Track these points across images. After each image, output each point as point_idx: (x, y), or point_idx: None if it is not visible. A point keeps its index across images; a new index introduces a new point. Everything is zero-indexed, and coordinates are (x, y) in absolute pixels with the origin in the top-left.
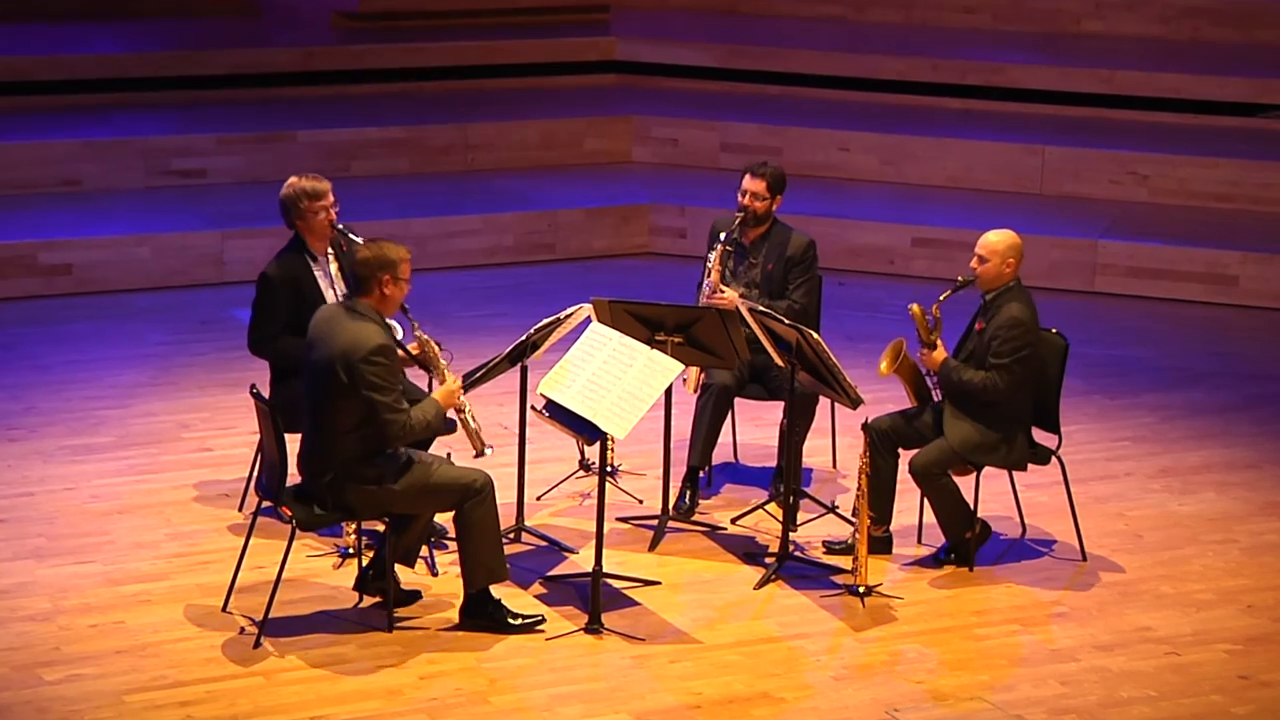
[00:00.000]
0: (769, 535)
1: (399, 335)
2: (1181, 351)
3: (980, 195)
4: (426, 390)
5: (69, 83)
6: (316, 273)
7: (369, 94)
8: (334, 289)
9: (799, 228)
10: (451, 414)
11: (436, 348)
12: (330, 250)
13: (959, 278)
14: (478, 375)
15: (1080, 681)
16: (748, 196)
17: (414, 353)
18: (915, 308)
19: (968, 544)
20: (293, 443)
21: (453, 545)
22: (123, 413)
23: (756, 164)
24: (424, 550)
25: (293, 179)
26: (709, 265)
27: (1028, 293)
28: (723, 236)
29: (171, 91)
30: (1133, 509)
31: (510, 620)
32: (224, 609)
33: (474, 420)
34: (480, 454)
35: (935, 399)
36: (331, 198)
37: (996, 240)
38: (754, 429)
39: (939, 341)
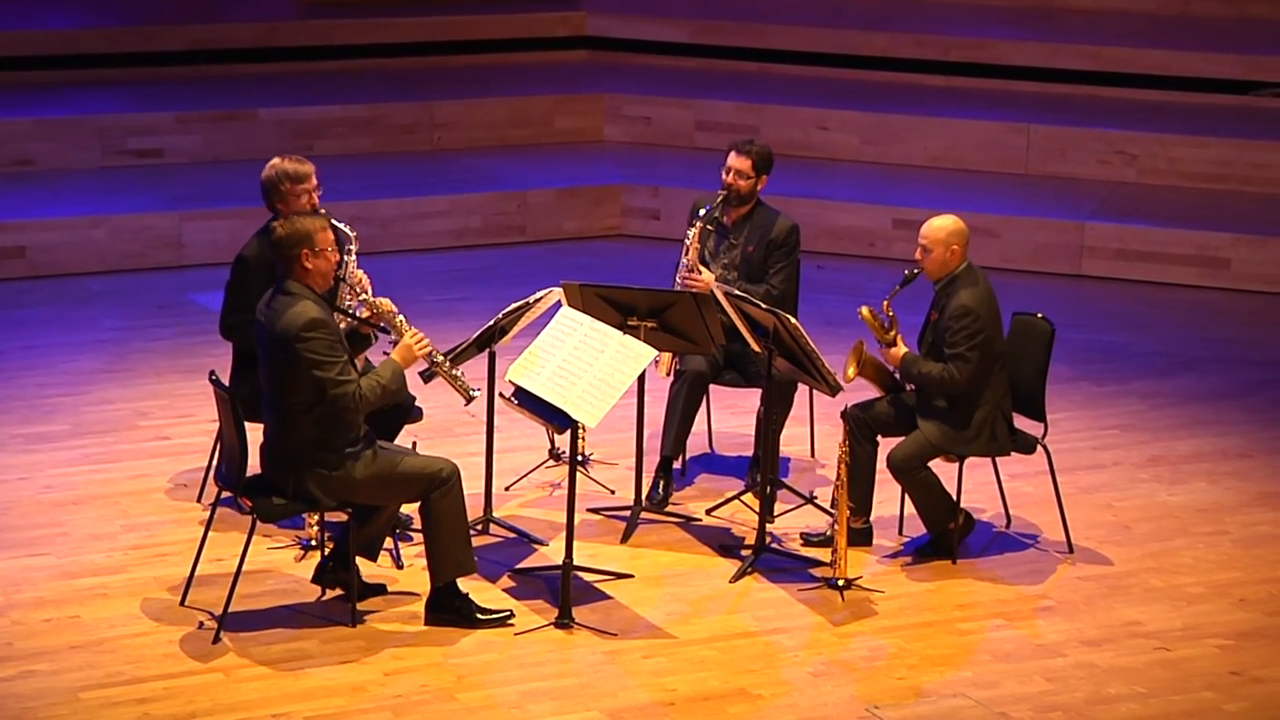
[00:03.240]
0: (745, 527)
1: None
2: (1171, 337)
3: (964, 175)
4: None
5: (21, 59)
6: None
7: (332, 71)
8: None
9: (779, 208)
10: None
11: (388, 305)
12: None
13: (905, 271)
14: (438, 363)
15: (1067, 678)
16: (731, 174)
17: (365, 316)
18: (865, 311)
19: (950, 536)
20: (253, 431)
21: (418, 537)
22: (77, 400)
23: (743, 141)
24: (388, 542)
25: (275, 160)
26: (687, 243)
27: (979, 274)
28: (702, 213)
29: (128, 68)
30: (1121, 499)
31: (478, 615)
32: (182, 603)
33: (451, 366)
34: (469, 400)
35: (906, 390)
36: (314, 180)
37: (939, 228)
38: (730, 417)
39: (898, 338)
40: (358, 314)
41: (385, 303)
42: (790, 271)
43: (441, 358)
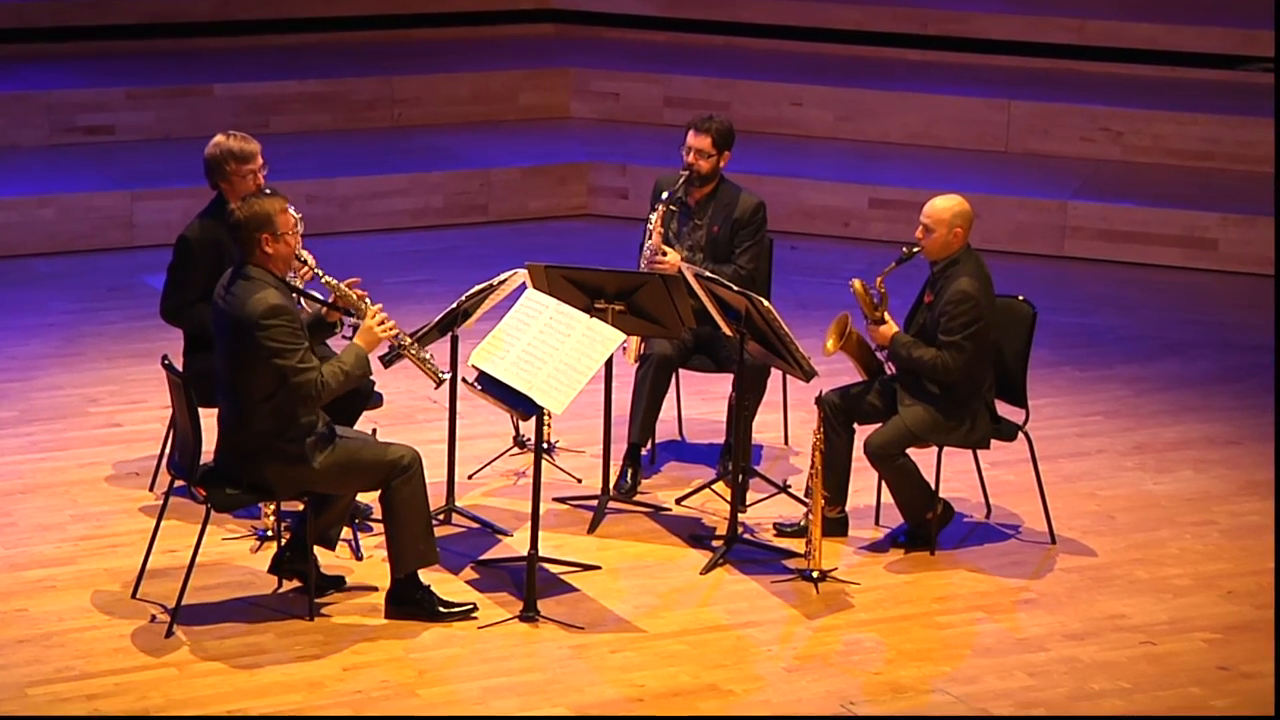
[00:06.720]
0: (716, 516)
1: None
2: (1157, 320)
3: (942, 153)
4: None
5: None
6: None
7: (289, 45)
8: None
9: (749, 187)
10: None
11: (347, 287)
12: None
13: (903, 249)
14: (405, 345)
15: (1049, 673)
16: (692, 154)
17: (330, 301)
18: (857, 284)
19: (929, 526)
20: (207, 417)
21: (378, 527)
22: (25, 386)
23: (701, 118)
24: (347, 532)
25: (219, 137)
26: (650, 226)
27: (978, 259)
28: (665, 196)
29: (78, 42)
30: (1105, 488)
31: (440, 608)
32: (134, 596)
33: (418, 348)
34: (439, 383)
35: (888, 373)
36: (260, 160)
37: (943, 208)
38: (701, 403)
39: (887, 316)
40: (324, 298)
41: (343, 285)
42: (758, 250)
43: (408, 339)
